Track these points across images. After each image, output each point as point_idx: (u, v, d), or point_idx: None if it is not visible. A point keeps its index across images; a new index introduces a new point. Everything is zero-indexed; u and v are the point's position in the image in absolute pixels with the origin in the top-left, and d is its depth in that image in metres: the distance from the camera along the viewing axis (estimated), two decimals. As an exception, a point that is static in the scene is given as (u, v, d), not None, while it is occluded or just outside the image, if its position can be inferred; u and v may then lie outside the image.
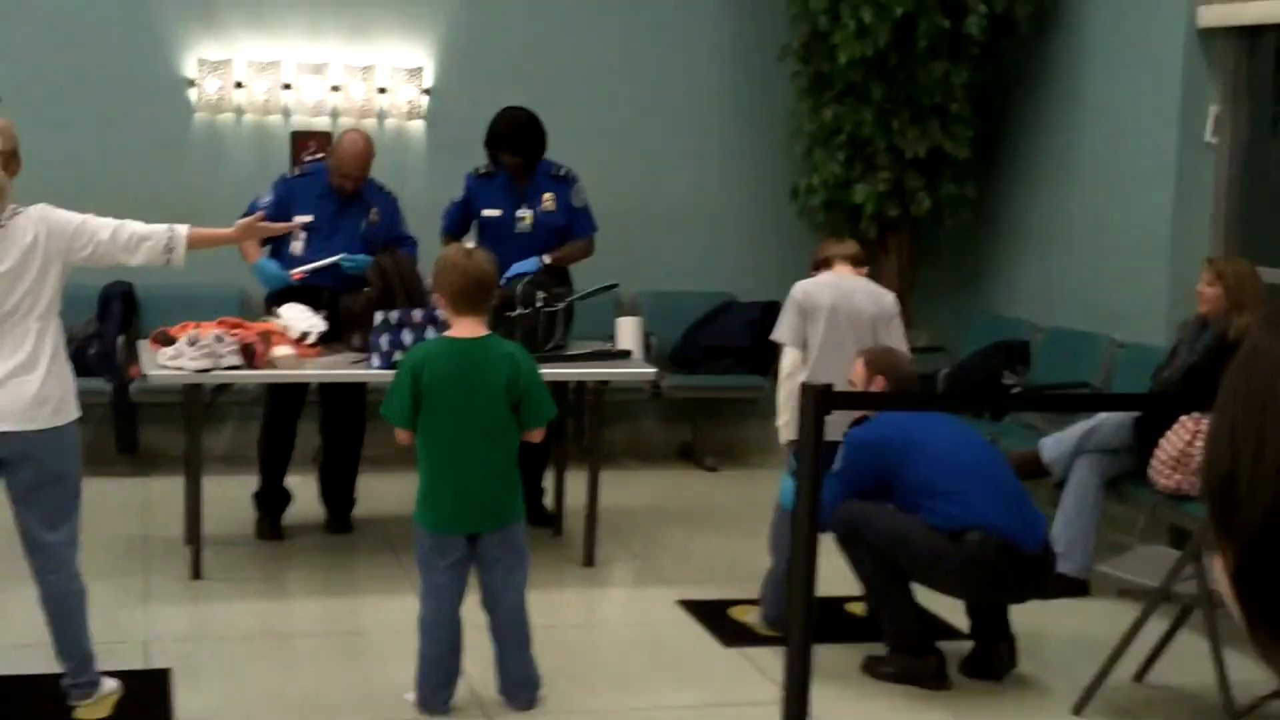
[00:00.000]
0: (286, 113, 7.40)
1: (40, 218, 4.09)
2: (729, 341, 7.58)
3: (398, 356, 4.92)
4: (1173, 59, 6.45)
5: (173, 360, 5.24)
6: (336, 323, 5.72)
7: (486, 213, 6.21)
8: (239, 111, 7.36)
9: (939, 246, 7.91)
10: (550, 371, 5.44)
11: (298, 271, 5.83)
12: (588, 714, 4.40)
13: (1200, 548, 4.26)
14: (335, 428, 6.17)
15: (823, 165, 7.46)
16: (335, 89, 7.42)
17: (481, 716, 4.25)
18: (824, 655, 4.28)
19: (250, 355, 5.29)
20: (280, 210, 5.76)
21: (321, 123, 7.33)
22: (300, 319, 5.62)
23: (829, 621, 4.96)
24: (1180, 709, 4.60)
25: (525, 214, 6.18)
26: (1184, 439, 5.33)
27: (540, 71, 7.42)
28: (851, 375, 4.69)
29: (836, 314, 5.06)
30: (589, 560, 5.79)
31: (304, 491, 6.23)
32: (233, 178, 7.12)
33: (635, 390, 7.39)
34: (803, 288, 5.07)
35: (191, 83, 7.28)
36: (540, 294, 5.75)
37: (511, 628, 4.14)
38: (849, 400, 4.43)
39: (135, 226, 4.58)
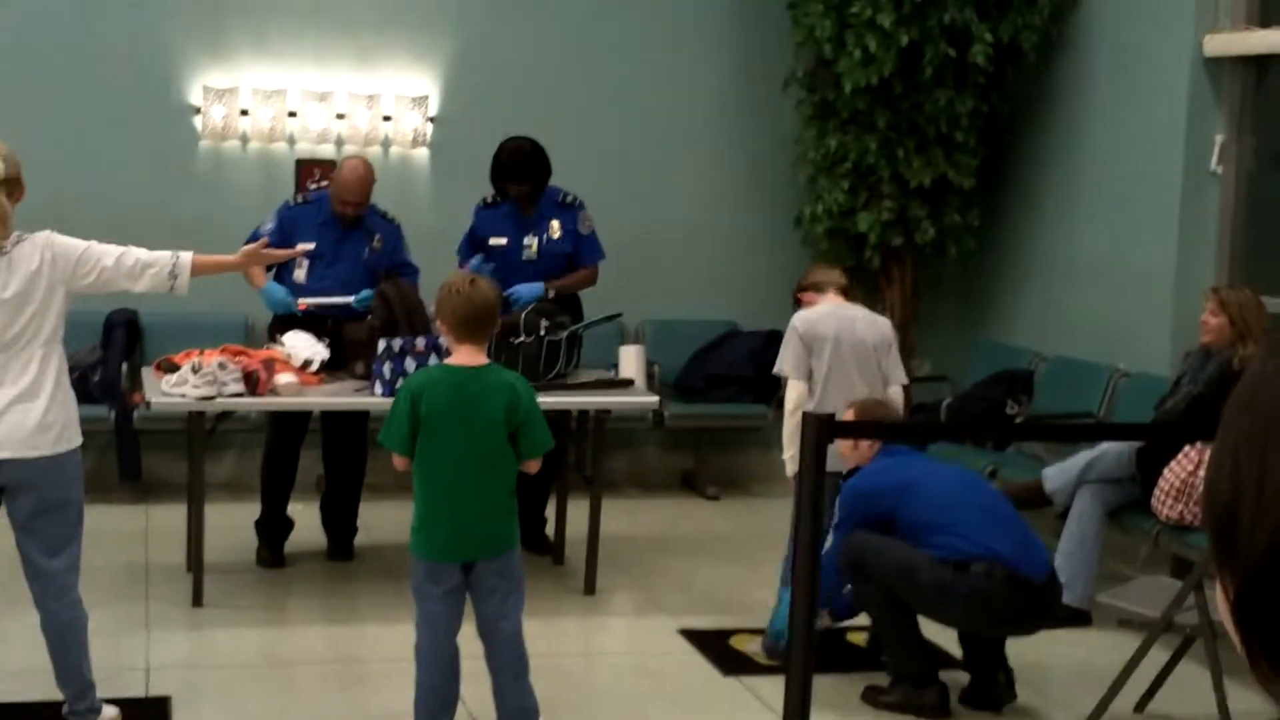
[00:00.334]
0: (291, 140, 7.45)
1: (45, 244, 4.13)
2: (732, 370, 7.60)
3: (403, 383, 4.95)
4: (1179, 88, 6.49)
5: (176, 388, 5.27)
6: (339, 350, 5.76)
7: (493, 241, 6.25)
8: (244, 139, 7.41)
9: (942, 275, 7.94)
10: (553, 400, 5.48)
11: (304, 302, 5.87)
12: (587, 743, 4.41)
13: (1202, 578, 4.28)
14: (337, 456, 6.20)
15: (827, 193, 7.50)
16: (340, 117, 7.48)
17: (481, 745, 4.27)
18: (824, 685, 4.29)
19: (253, 383, 5.32)
20: (283, 238, 5.80)
21: (326, 150, 7.39)
22: (303, 347, 5.66)
23: (830, 651, 4.97)
24: (1182, 740, 4.61)
25: (531, 242, 6.23)
26: (1187, 469, 5.35)
27: (544, 100, 7.47)
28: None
29: (840, 344, 5.06)
30: (590, 588, 5.81)
31: (306, 519, 6.25)
32: (237, 205, 7.17)
33: (637, 419, 7.42)
34: (804, 319, 5.03)
35: (197, 110, 7.34)
36: (544, 322, 5.79)
37: (508, 657, 4.16)
38: (851, 430, 4.46)
39: (140, 253, 4.62)
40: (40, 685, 4.33)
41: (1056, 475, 5.73)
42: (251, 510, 6.17)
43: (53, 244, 4.15)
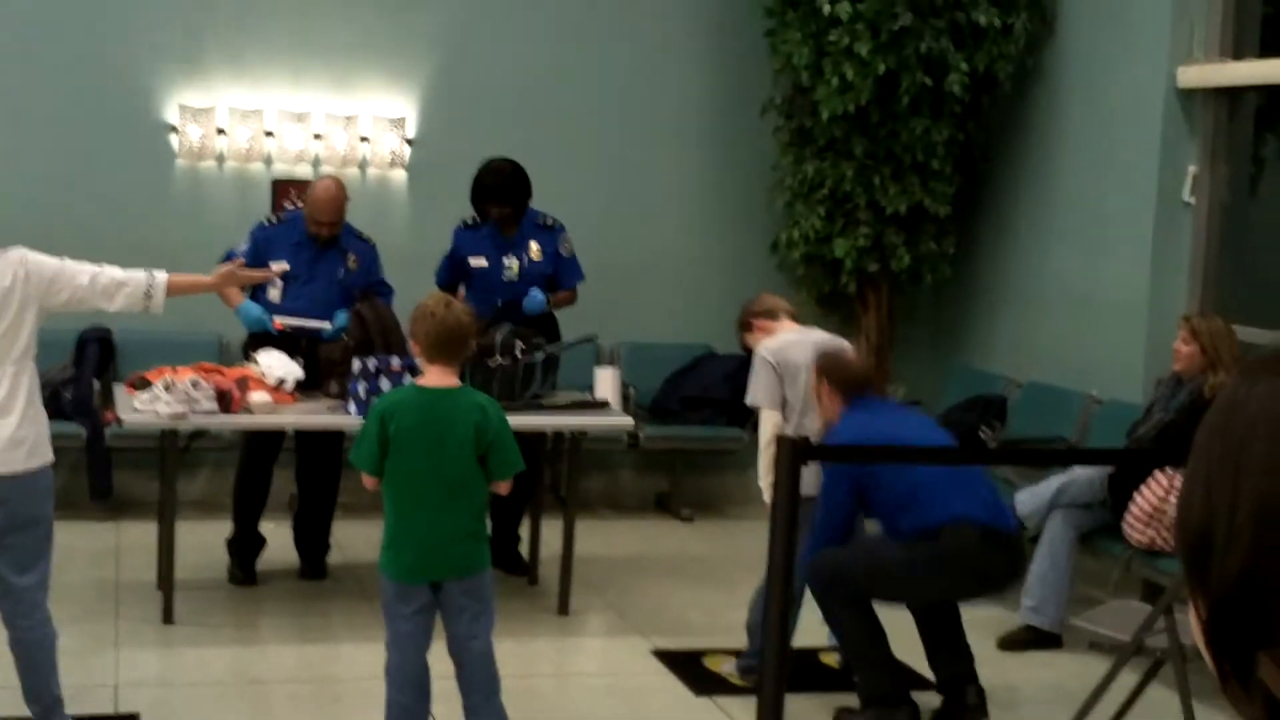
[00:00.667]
0: (268, 160, 7.46)
1: (19, 261, 4.12)
2: (707, 393, 7.62)
3: (373, 403, 4.95)
4: (1152, 119, 6.54)
5: (148, 405, 5.26)
6: (314, 370, 5.76)
7: (473, 262, 6.26)
8: (220, 159, 7.41)
9: (918, 301, 7.98)
10: (529, 420, 5.49)
11: (280, 320, 5.87)
12: (559, 764, 4.41)
13: (1172, 602, 4.30)
14: (311, 474, 6.19)
15: (803, 219, 7.53)
16: (318, 137, 7.48)
17: (452, 765, 4.25)
18: (797, 706, 4.30)
19: (226, 401, 5.32)
20: (257, 258, 5.81)
21: (304, 171, 7.39)
22: (277, 365, 5.65)
23: (803, 672, 4.97)
24: (1152, 764, 4.62)
25: (512, 263, 6.24)
26: (1158, 494, 5.38)
27: (522, 122, 7.50)
28: (811, 380, 4.79)
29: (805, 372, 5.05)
30: (563, 609, 5.81)
31: (278, 537, 6.24)
32: (214, 225, 7.17)
33: (612, 440, 7.43)
34: (771, 349, 4.96)
35: (173, 129, 7.33)
36: (519, 344, 5.80)
37: (479, 677, 4.15)
38: (825, 453, 4.48)
39: (114, 272, 4.61)
40: (8, 702, 4.31)
41: (1029, 499, 5.76)
42: (223, 528, 6.16)
43: (26, 262, 4.14)
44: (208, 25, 7.32)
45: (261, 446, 6.04)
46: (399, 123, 7.57)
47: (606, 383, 6.07)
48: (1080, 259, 7.03)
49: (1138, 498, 5.45)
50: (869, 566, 4.59)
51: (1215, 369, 5.44)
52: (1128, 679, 4.36)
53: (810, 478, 4.20)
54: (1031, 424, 6.78)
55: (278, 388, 5.58)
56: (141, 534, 6.40)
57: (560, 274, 6.34)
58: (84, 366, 7.00)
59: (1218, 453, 0.97)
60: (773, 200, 7.79)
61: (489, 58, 7.66)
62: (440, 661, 4.13)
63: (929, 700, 4.80)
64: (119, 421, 5.43)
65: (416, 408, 4.02)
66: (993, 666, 4.84)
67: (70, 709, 4.25)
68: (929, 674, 4.90)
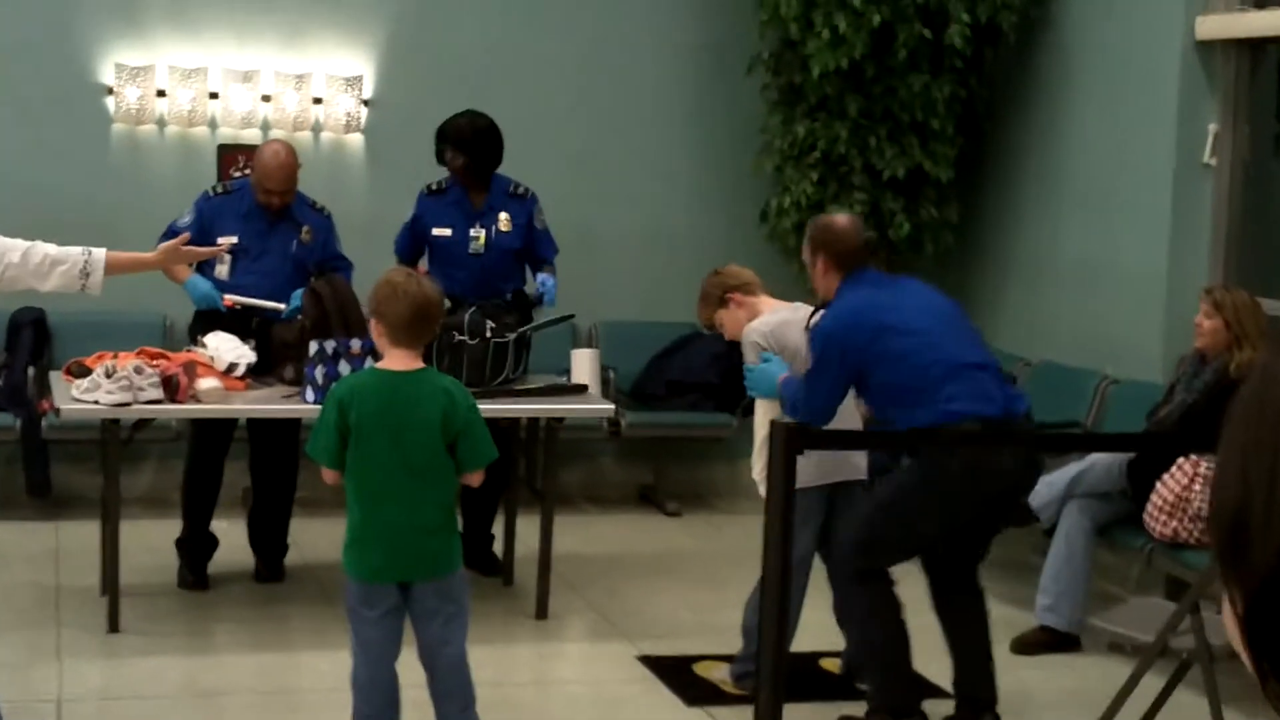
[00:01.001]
0: (213, 124, 7.42)
1: (-55, 239, 4.09)
2: (694, 376, 7.62)
3: (330, 390, 4.93)
4: (1169, 73, 6.55)
5: (87, 394, 5.24)
6: (267, 353, 5.73)
7: (436, 232, 6.24)
8: (161, 122, 7.37)
9: (919, 274, 7.96)
10: (500, 407, 5.49)
11: (230, 299, 5.85)
12: (540, 780, 4.42)
13: (1198, 599, 4.32)
14: (265, 468, 6.18)
15: (794, 185, 7.53)
16: (266, 99, 7.45)
17: (424, 782, 4.26)
18: (796, 715, 4.30)
19: (173, 388, 5.30)
20: (202, 232, 5.78)
21: (251, 135, 7.35)
22: (228, 349, 5.63)
23: (802, 678, 4.99)
24: (1177, 772, 4.65)
25: (479, 234, 6.22)
26: (1181, 482, 5.40)
27: (490, 83, 7.46)
28: (804, 253, 4.76)
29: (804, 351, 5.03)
30: (541, 612, 5.81)
31: (231, 537, 6.22)
32: (154, 195, 7.13)
33: (592, 428, 7.42)
34: (762, 330, 4.92)
35: (109, 90, 7.29)
36: (489, 324, 5.79)
37: (453, 685, 4.15)
38: (823, 440, 4.48)
39: (48, 249, 4.59)
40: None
41: (1042, 489, 5.76)
42: (172, 528, 6.14)
43: (-46, 238, 4.11)
44: (145, -22, 7.28)
45: (212, 438, 6.02)
46: (355, 82, 7.54)
47: (584, 365, 6.06)
48: (1093, 227, 7.04)
49: (1159, 486, 5.47)
50: (887, 515, 4.57)
51: (1240, 345, 5.46)
52: (1152, 683, 4.38)
53: (808, 468, 4.18)
54: (1043, 407, 6.76)
55: (228, 373, 5.56)
56: (83, 534, 6.37)
57: (534, 248, 6.32)
58: (17, 352, 6.97)
59: (1254, 428, 0.96)
60: (761, 165, 7.78)
61: (453, 11, 7.63)
62: (410, 670, 4.13)
63: (937, 709, 4.81)
64: (56, 412, 5.40)
65: (378, 393, 4.01)
66: (1006, 671, 4.86)
67: (9, 727, 4.24)
68: (943, 681, 4.91)
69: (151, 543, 6.23)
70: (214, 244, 5.71)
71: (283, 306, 5.86)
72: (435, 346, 5.51)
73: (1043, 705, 5.16)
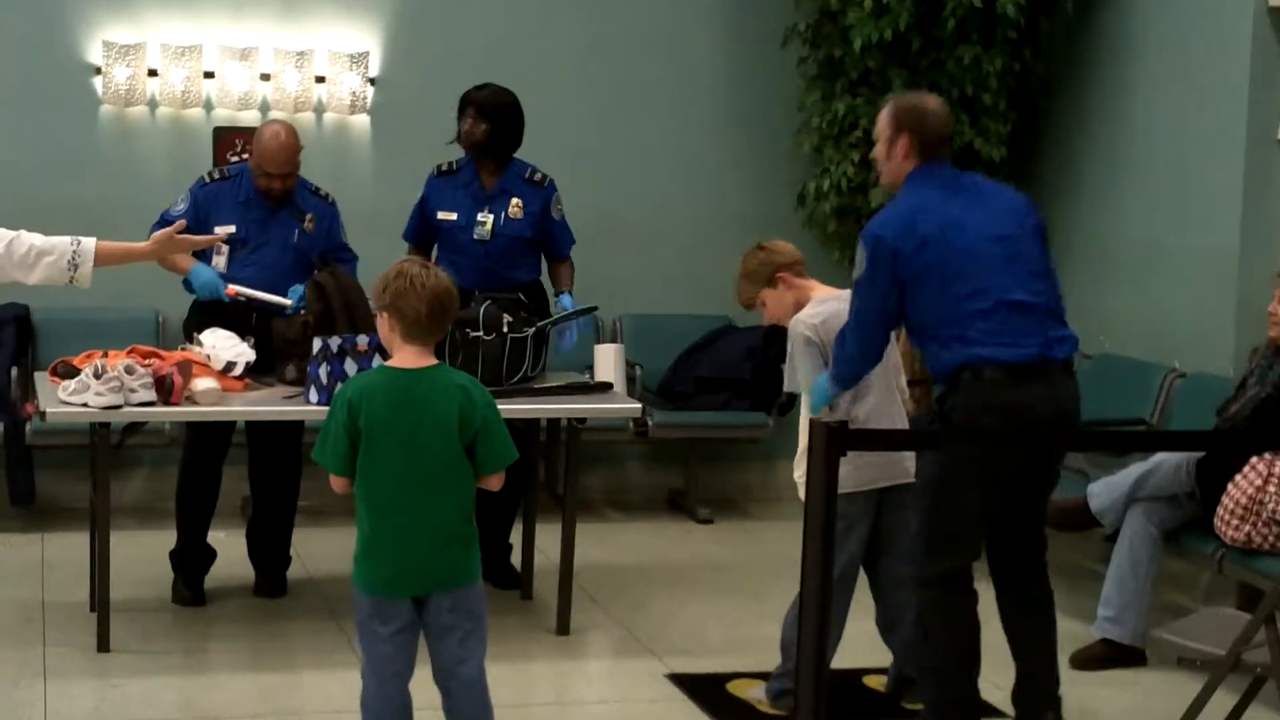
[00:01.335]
0: (208, 105, 7.44)
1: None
2: (726, 372, 7.62)
3: (338, 391, 4.95)
4: (1240, 42, 6.52)
5: (75, 396, 5.26)
6: (267, 351, 5.75)
7: (441, 216, 6.25)
8: (153, 104, 7.39)
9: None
10: (518, 407, 5.49)
11: (233, 288, 5.87)
12: (562, 807, 4.43)
13: (1274, 609, 4.31)
14: (266, 474, 6.20)
15: (834, 166, 7.53)
16: (265, 78, 7.47)
17: (438, 810, 4.27)
18: (838, 737, 4.31)
19: (166, 390, 5.32)
20: (198, 221, 5.80)
21: (249, 117, 7.38)
22: (225, 347, 5.65)
23: (844, 697, 4.99)
24: (1252, 797, 4.64)
25: (486, 219, 6.22)
26: (1255, 484, 5.39)
27: (505, 58, 7.47)
28: (878, 130, 4.70)
29: None
30: (563, 628, 5.82)
31: (230, 549, 6.24)
32: (146, 181, 7.16)
33: (617, 429, 7.43)
34: (812, 323, 4.88)
35: (98, 70, 7.32)
36: (506, 318, 5.80)
37: (470, 706, 4.16)
38: (864, 438, 4.47)
39: (33, 239, 4.62)
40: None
41: (1103, 492, 5.76)
42: (166, 539, 6.16)
43: (-68, 228, 4.14)
44: (135, -51, 7.31)
45: (208, 442, 6.04)
46: (360, 59, 7.56)
47: (608, 362, 6.07)
48: (1158, 208, 7.02)
49: (1231, 488, 5.46)
50: (937, 500, 4.54)
51: (1318, 335, 5.45)
52: (1223, 701, 4.37)
53: (850, 471, 4.16)
54: (1104, 403, 6.77)
55: (225, 373, 5.58)
56: (70, 547, 6.40)
57: (554, 240, 6.32)
58: (-1, 351, 7.00)
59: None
60: (798, 145, 7.77)
61: (465, -18, 7.65)
62: (424, 689, 4.14)
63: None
64: (41, 415, 5.42)
65: (389, 393, 4.02)
66: (1066, 687, 4.83)
67: (-7, 752, 4.27)
68: (1001, 699, 4.91)
69: (144, 555, 6.25)
70: (210, 234, 5.73)
71: (289, 302, 5.87)
72: (448, 343, 5.52)
73: (1106, 725, 5.15)
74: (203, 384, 5.43)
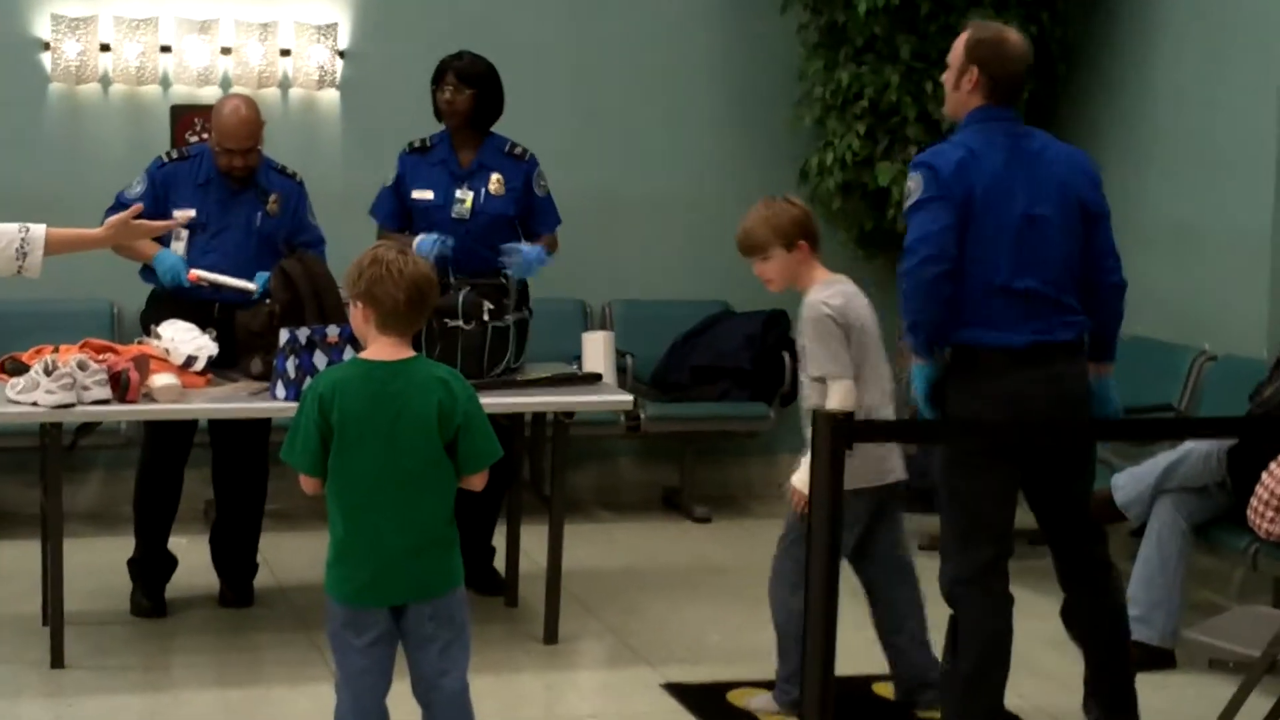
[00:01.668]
0: (165, 82, 7.44)
1: None
2: (723, 361, 7.62)
3: (308, 385, 4.95)
4: (1273, 6, 6.52)
5: (24, 394, 5.25)
6: (231, 344, 5.75)
7: (416, 195, 6.24)
8: (105, 81, 7.39)
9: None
10: (502, 400, 5.49)
11: (195, 273, 5.85)
12: (552, 828, 4.43)
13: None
14: (230, 476, 6.20)
15: (838, 139, 7.53)
16: (226, 52, 7.47)
17: (419, 833, 4.27)
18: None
19: (122, 386, 5.31)
20: (156, 204, 5.80)
21: (209, 94, 7.36)
22: (185, 340, 5.64)
23: (853, 706, 4.99)
24: (1291, 809, 4.64)
25: (465, 196, 6.21)
26: (1290, 473, 5.39)
27: (486, 27, 7.47)
28: (951, 56, 4.67)
29: (869, 330, 5.00)
30: (551, 636, 5.82)
31: (192, 556, 6.24)
32: (99, 164, 7.15)
33: (607, 423, 7.43)
34: (834, 304, 4.86)
35: (46, 45, 7.31)
36: (487, 305, 5.79)
37: (452, 721, 4.17)
38: (874, 432, 4.47)
39: (-22, 226, 4.60)
40: None
41: (1129, 483, 5.77)
42: (124, 547, 6.16)
43: None
44: (84, -86, 7.30)
45: (168, 442, 6.04)
46: (328, 31, 7.55)
47: (597, 351, 6.07)
48: (1187, 183, 7.02)
49: (1265, 477, 5.46)
50: (956, 483, 4.56)
51: (1358, 315, 5.46)
52: (1259, 704, 4.37)
53: (857, 467, 4.14)
54: (1130, 388, 6.74)
55: (186, 367, 5.57)
56: (20, 556, 6.40)
57: (536, 217, 6.31)
58: (-58, 347, 6.99)
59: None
60: (800, 117, 7.77)
61: (439, -54, 7.64)
62: (402, 703, 4.14)
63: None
64: (-12, 415, 5.42)
65: (364, 387, 4.01)
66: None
67: (-60, 776, 4.27)
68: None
69: (100, 564, 6.25)
70: (169, 218, 5.72)
71: (253, 286, 5.86)
72: (425, 334, 5.52)
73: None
74: (161, 380, 5.42)
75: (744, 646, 5.76)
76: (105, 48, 7.34)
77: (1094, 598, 4.76)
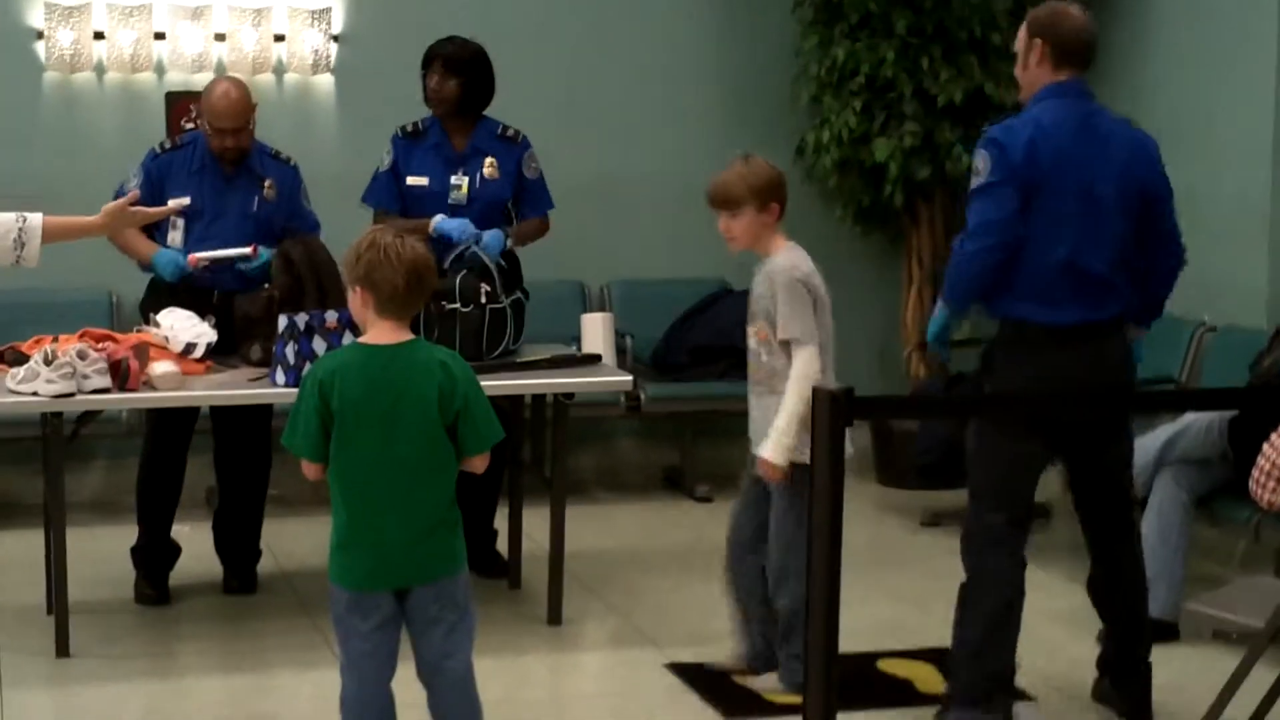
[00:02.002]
0: (160, 69, 7.43)
1: None
2: (723, 340, 7.61)
3: (307, 371, 4.96)
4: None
5: (24, 384, 5.26)
6: (230, 330, 5.75)
7: (411, 181, 6.24)
8: (100, 69, 7.39)
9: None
10: (501, 383, 5.50)
11: (196, 256, 5.85)
12: (559, 809, 4.45)
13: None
14: (232, 463, 6.20)
15: (834, 116, 7.53)
16: (220, 38, 7.46)
17: (426, 816, 4.29)
18: (851, 726, 4.33)
19: (122, 375, 5.32)
20: (153, 195, 5.79)
21: (204, 81, 7.30)
22: (184, 327, 5.65)
23: (858, 683, 5.00)
24: (1296, 778, 4.66)
25: (461, 181, 6.22)
26: (1292, 444, 5.39)
27: (478, 12, 7.47)
28: (1017, 44, 4.72)
29: (827, 300, 5.03)
30: (555, 618, 5.84)
31: (195, 544, 6.25)
32: (95, 152, 7.16)
33: (607, 404, 7.44)
34: (805, 270, 4.93)
35: (39, 34, 7.30)
36: (484, 288, 5.79)
37: (456, 703, 4.17)
38: (875, 408, 4.49)
39: (-26, 216, 4.60)
40: None
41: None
42: (127, 535, 6.17)
43: None
44: (75, -98, 7.29)
45: (169, 430, 6.04)
46: (322, 15, 7.54)
47: (596, 332, 6.07)
48: (1185, 153, 6.99)
49: (1266, 448, 5.42)
50: (982, 445, 4.65)
51: (1356, 285, 5.46)
52: (1263, 676, 4.38)
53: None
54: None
55: (185, 355, 5.58)
56: (24, 545, 6.40)
57: (527, 199, 6.31)
58: (-60, 338, 7.00)
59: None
60: (796, 94, 7.77)
61: (432, -72, 7.63)
62: (407, 687, 4.15)
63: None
64: (-12, 405, 5.42)
65: (364, 372, 4.01)
66: (1090, 667, 4.86)
67: (-53, 766, 4.28)
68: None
69: (103, 553, 6.26)
70: (166, 205, 5.72)
71: (248, 251, 5.84)
72: (423, 317, 5.52)
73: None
74: (161, 368, 5.43)
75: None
76: (99, 35, 7.34)
77: (1118, 564, 4.80)
